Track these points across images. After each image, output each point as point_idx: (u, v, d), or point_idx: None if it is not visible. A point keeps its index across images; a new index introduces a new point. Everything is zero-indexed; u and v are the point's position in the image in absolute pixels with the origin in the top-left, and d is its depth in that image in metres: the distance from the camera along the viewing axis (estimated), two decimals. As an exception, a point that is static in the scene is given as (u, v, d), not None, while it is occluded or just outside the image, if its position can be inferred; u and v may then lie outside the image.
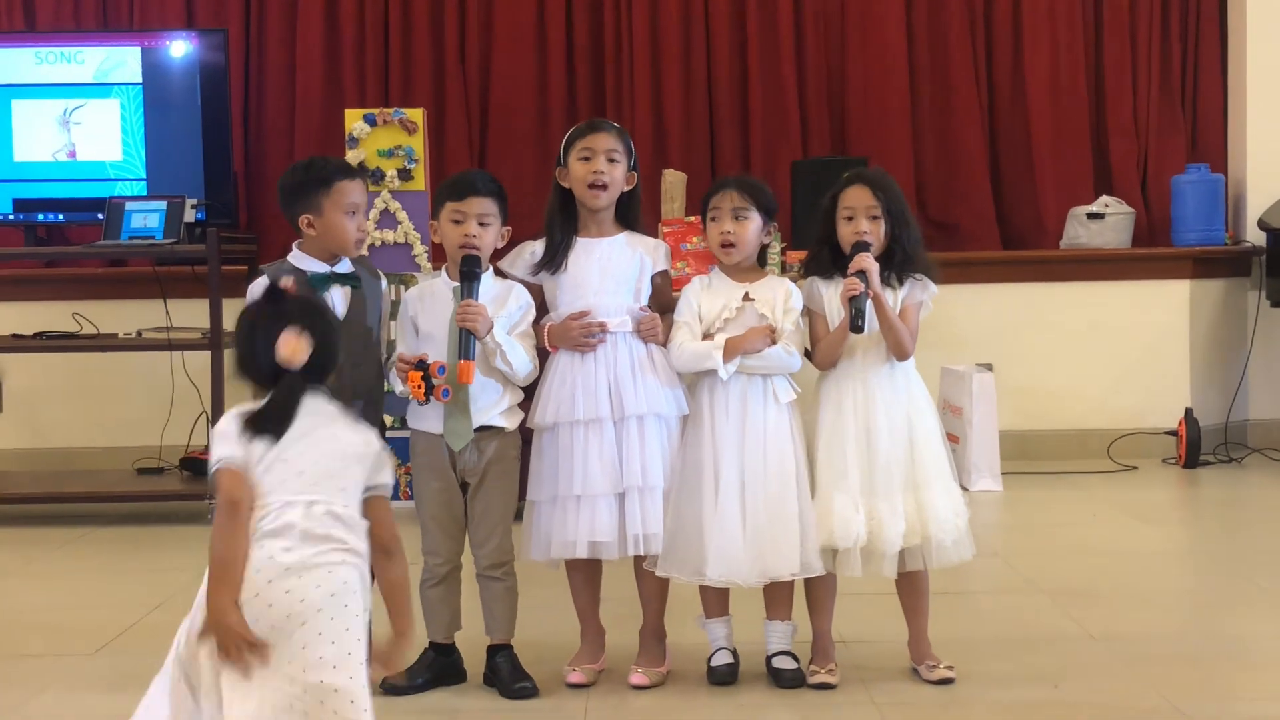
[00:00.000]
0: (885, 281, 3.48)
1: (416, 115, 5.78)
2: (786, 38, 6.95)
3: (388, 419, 5.51)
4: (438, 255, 5.66)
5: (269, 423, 2.44)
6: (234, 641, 2.31)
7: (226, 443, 2.44)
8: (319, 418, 2.50)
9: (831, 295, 3.52)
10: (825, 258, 3.56)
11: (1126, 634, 3.87)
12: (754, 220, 3.54)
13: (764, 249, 3.63)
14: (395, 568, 2.54)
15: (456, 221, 3.48)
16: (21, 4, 6.93)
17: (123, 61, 6.15)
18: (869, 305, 3.40)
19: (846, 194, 3.53)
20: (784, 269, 5.68)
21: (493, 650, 3.54)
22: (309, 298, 2.71)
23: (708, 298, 3.55)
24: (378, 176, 5.69)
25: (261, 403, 2.47)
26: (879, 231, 3.49)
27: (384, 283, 3.62)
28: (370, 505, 2.51)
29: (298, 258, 3.49)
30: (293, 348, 2.45)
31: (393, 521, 2.54)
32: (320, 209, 3.44)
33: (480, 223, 3.48)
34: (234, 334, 2.58)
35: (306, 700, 2.32)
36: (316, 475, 2.45)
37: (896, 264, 3.51)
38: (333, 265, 3.48)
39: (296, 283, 2.62)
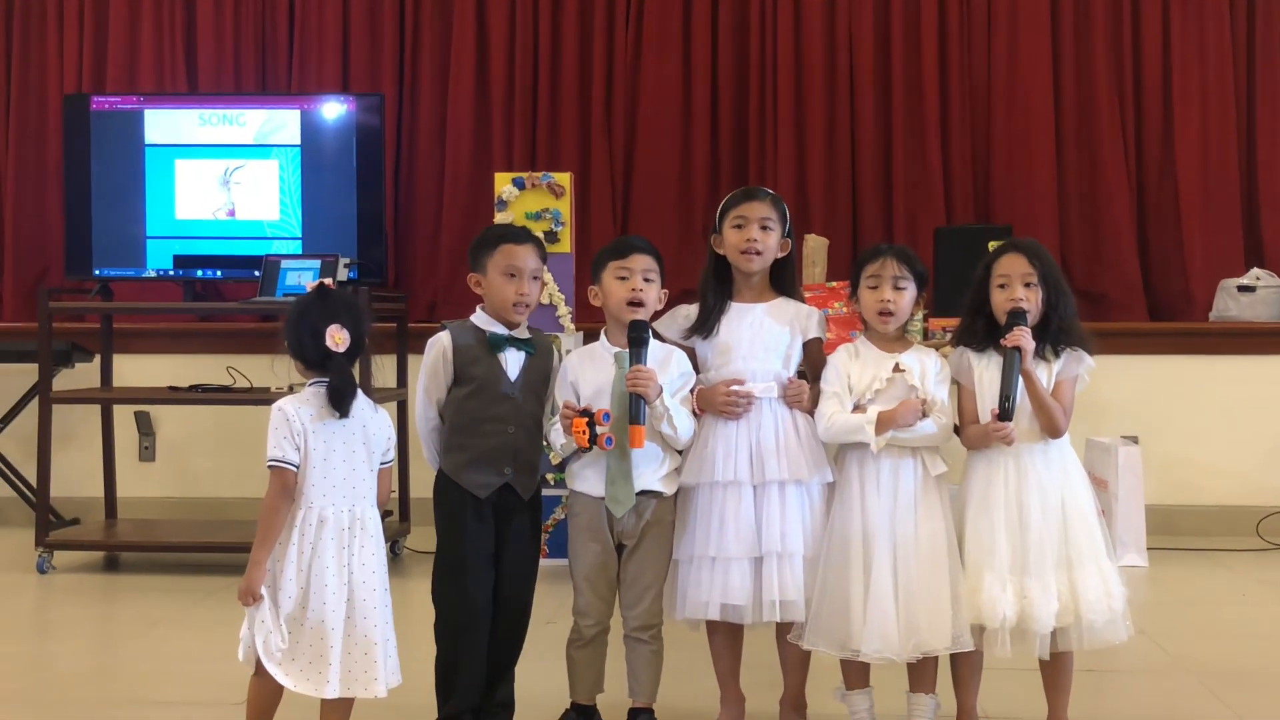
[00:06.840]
0: (1039, 354, 3.44)
1: (564, 179, 5.85)
2: (932, 103, 6.95)
3: (548, 477, 5.59)
4: (582, 317, 5.71)
5: (340, 400, 3.16)
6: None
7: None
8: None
9: (983, 370, 3.49)
10: (979, 328, 3.52)
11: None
12: (911, 290, 3.54)
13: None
14: None
15: (622, 278, 3.54)
16: (185, 67, 7.19)
17: (283, 124, 6.34)
18: (1020, 384, 3.36)
19: (1001, 261, 3.49)
20: (926, 336, 5.65)
21: (634, 713, 3.54)
22: (348, 297, 3.29)
23: (857, 367, 3.53)
24: (525, 239, 5.76)
25: (310, 390, 3.20)
26: (1035, 299, 3.45)
27: (556, 357, 3.65)
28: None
29: (479, 317, 3.55)
30: (339, 338, 3.16)
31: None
32: (484, 269, 3.52)
33: (645, 278, 3.53)
34: (289, 322, 3.20)
35: None
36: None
37: (1051, 335, 3.46)
38: (511, 329, 3.54)
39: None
